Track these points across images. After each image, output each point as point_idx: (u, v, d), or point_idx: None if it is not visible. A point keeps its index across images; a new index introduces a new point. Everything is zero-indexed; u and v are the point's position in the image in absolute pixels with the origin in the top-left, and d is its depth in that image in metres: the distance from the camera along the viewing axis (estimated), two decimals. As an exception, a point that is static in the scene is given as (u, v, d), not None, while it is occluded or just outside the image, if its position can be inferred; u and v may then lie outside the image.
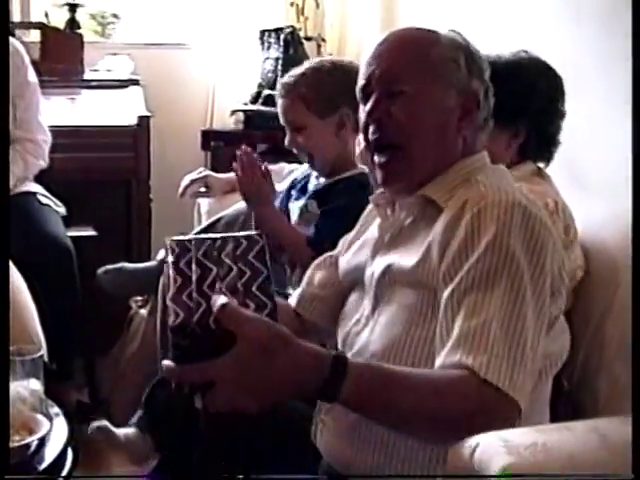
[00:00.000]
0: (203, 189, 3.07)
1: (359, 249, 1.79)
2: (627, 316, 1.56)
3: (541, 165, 2.21)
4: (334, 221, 2.31)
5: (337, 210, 2.40)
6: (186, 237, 1.40)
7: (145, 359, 3.03)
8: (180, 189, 3.04)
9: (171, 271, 1.32)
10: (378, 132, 1.63)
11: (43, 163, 3.34)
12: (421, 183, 1.62)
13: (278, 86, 2.58)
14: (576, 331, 1.98)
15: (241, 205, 2.74)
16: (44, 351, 2.59)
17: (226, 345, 1.22)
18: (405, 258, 1.58)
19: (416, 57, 1.63)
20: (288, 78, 2.53)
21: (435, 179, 1.62)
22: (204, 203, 3.16)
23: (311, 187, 2.57)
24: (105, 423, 2.58)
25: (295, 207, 2.57)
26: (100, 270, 2.87)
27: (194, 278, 1.30)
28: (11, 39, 3.37)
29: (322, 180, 2.57)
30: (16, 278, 2.62)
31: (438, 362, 1.41)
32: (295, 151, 2.57)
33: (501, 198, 1.48)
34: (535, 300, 1.43)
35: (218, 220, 2.72)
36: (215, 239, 1.37)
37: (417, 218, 1.63)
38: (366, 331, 1.64)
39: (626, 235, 1.58)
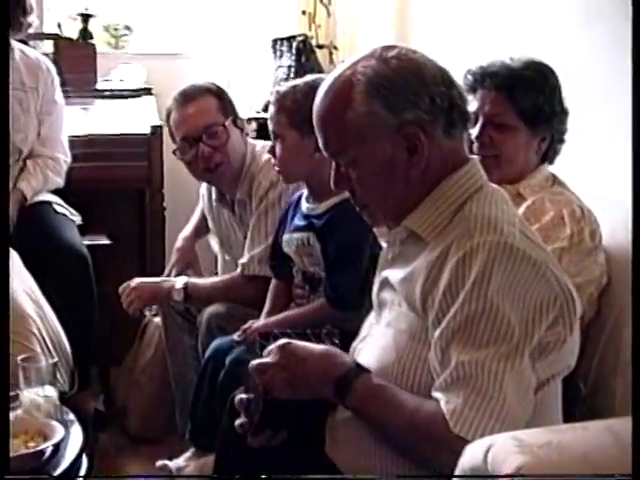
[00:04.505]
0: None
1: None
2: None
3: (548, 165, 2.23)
4: (345, 271, 2.37)
5: (343, 258, 2.39)
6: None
7: (159, 367, 3.06)
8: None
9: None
10: (349, 194, 1.73)
11: (61, 181, 3.36)
12: (404, 214, 1.67)
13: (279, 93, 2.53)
14: (592, 334, 1.99)
15: None
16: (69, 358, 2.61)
17: None
18: (396, 273, 1.67)
19: (336, 131, 1.66)
20: (281, 87, 2.52)
21: (417, 208, 1.65)
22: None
23: (304, 209, 2.53)
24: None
25: (292, 237, 2.52)
26: None
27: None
28: (44, 57, 3.45)
29: (311, 204, 2.52)
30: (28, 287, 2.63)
31: (432, 391, 1.54)
32: (272, 160, 2.55)
33: (486, 240, 1.53)
34: (521, 338, 1.50)
35: None
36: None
37: (406, 244, 1.69)
38: (366, 349, 1.75)
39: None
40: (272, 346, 1.66)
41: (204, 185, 3.05)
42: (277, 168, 2.54)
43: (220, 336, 2.59)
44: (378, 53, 1.64)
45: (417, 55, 1.66)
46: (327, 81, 1.69)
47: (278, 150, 2.49)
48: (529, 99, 2.14)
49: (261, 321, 2.51)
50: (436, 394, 1.52)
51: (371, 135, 1.62)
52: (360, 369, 1.61)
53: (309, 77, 2.52)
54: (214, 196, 2.96)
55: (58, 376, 2.40)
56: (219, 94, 2.82)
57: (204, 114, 2.76)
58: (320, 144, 1.71)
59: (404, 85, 1.60)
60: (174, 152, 2.83)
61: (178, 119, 2.79)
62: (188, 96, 2.79)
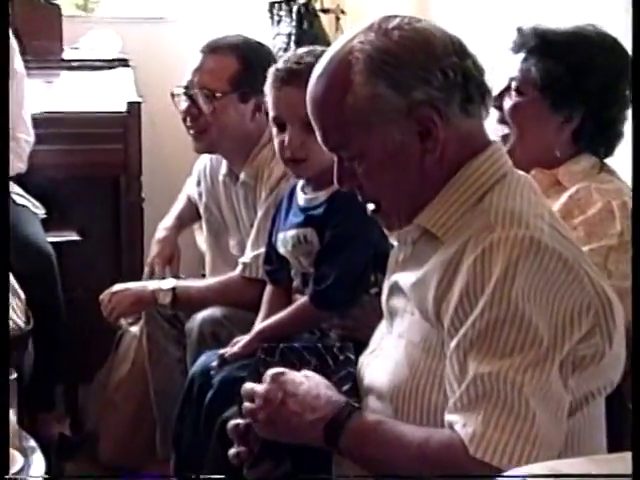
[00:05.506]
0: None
1: None
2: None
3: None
4: (334, 264, 2.35)
5: (335, 249, 2.36)
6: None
7: (137, 385, 3.05)
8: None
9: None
10: (357, 191, 1.70)
11: (22, 166, 3.34)
12: (416, 211, 1.66)
13: (278, 70, 2.43)
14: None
15: None
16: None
17: None
18: (407, 277, 1.67)
19: (335, 121, 1.63)
20: (296, 64, 2.39)
21: (431, 202, 1.64)
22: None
23: (301, 202, 2.47)
24: None
25: (287, 235, 2.46)
26: None
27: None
28: None
29: (309, 194, 2.46)
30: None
31: (445, 414, 1.52)
32: (291, 154, 2.41)
33: (508, 235, 1.51)
34: (550, 347, 1.48)
35: None
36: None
37: (418, 243, 1.69)
38: (376, 363, 1.74)
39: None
40: (270, 371, 1.67)
41: (203, 158, 3.03)
42: (299, 165, 2.46)
43: (214, 345, 2.57)
44: (377, 25, 1.62)
45: (422, 24, 1.64)
46: (320, 63, 1.66)
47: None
48: (546, 66, 2.11)
49: (241, 342, 2.44)
50: (450, 417, 1.50)
51: (377, 121, 1.60)
52: (352, 407, 1.61)
53: (302, 50, 2.45)
54: (223, 170, 2.93)
55: (14, 316, 2.54)
56: (245, 58, 2.79)
57: (211, 73, 2.79)
58: (318, 137, 1.68)
59: (411, 59, 1.58)
60: (172, 94, 2.84)
61: (193, 65, 2.82)
62: (211, 47, 2.82)
